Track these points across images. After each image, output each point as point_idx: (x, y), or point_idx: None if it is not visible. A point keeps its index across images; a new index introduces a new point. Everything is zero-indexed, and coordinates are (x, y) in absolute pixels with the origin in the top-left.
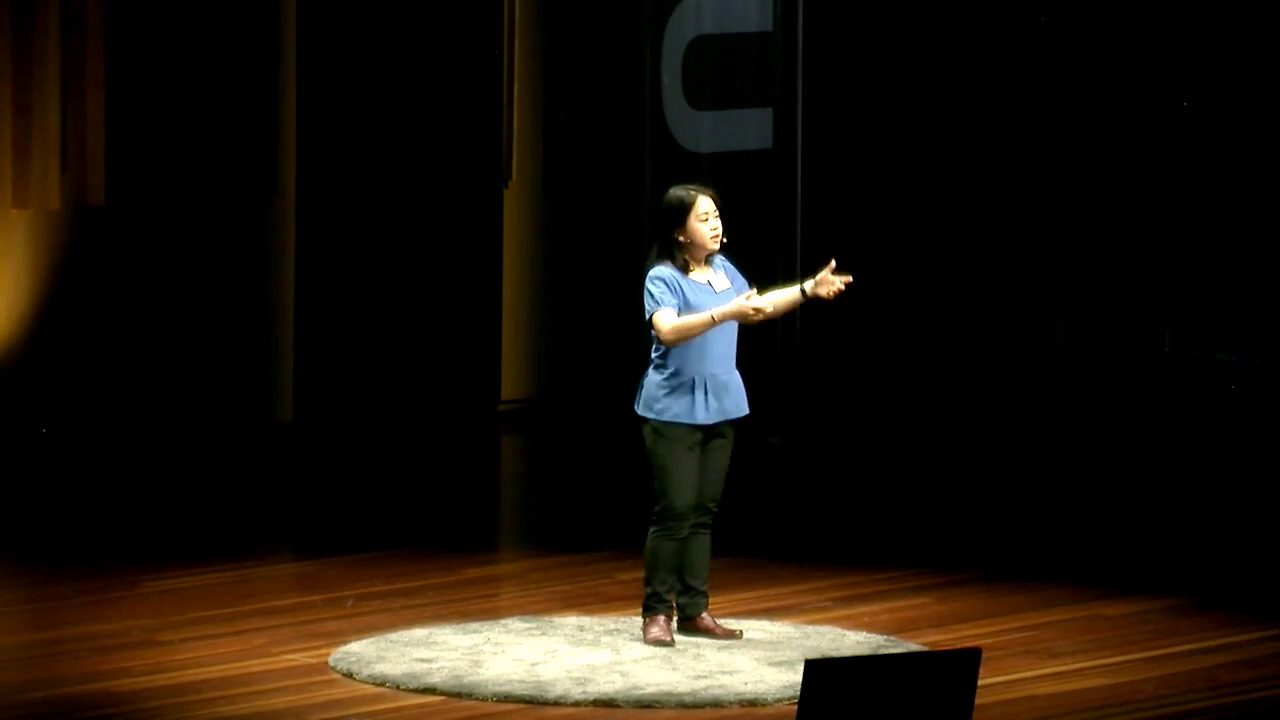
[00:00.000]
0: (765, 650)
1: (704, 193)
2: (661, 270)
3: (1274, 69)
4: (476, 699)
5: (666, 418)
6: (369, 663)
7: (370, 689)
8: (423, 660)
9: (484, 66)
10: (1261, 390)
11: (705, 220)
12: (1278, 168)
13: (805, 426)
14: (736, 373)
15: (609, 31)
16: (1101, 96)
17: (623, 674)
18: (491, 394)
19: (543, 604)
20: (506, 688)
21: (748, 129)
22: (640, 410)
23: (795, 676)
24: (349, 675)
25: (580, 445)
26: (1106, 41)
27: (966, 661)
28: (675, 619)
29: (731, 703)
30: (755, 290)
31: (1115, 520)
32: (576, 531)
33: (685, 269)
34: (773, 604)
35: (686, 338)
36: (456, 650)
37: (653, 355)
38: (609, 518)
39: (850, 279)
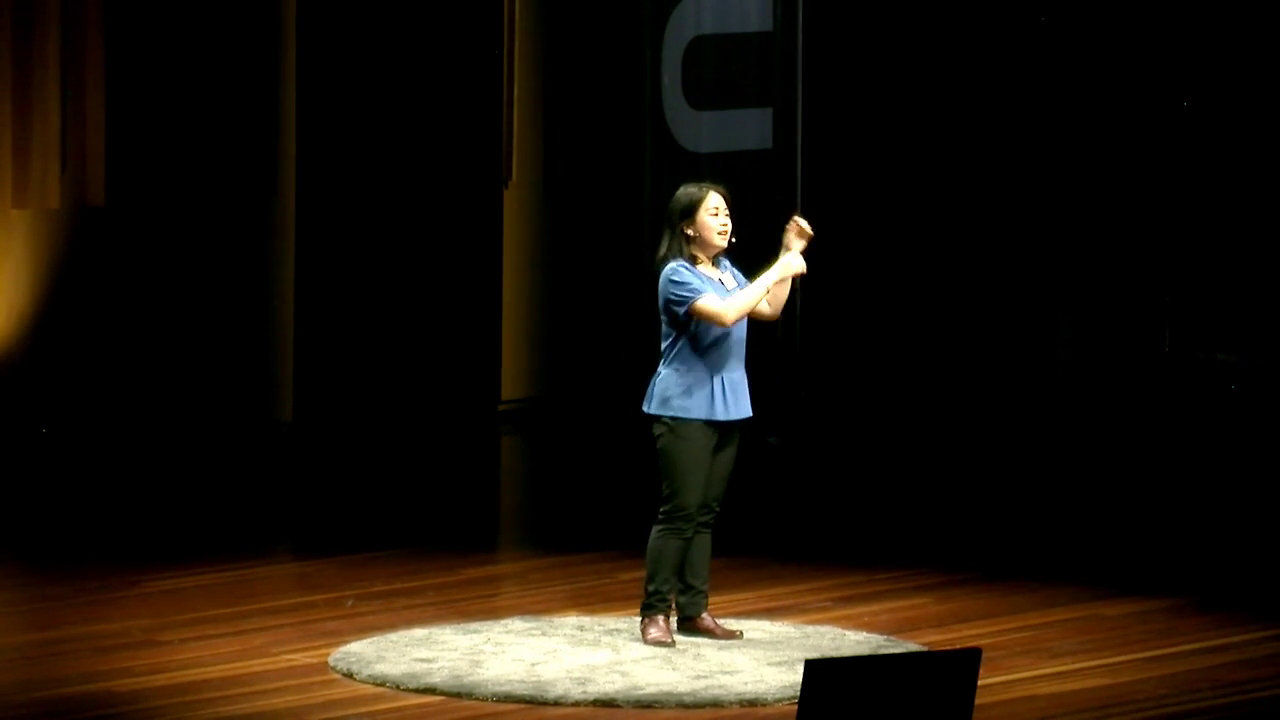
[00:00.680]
0: (765, 650)
1: (715, 189)
2: (678, 265)
3: (1274, 69)
4: (476, 699)
5: (687, 415)
6: (369, 663)
7: (370, 689)
8: (423, 660)
9: (484, 66)
10: (1261, 390)
11: (715, 215)
12: (1278, 168)
13: (805, 426)
14: (743, 370)
15: (609, 31)
16: (1101, 96)
17: (623, 674)
18: (491, 394)
19: (543, 604)
20: (506, 688)
21: (748, 129)
22: (654, 409)
23: (795, 676)
24: (349, 675)
25: (580, 445)
26: (1106, 41)
27: (966, 661)
28: (674, 619)
29: (731, 703)
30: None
31: (1115, 520)
32: (576, 531)
33: (694, 264)
34: (773, 604)
35: (747, 312)
36: (456, 650)
37: (670, 353)
38: (609, 518)
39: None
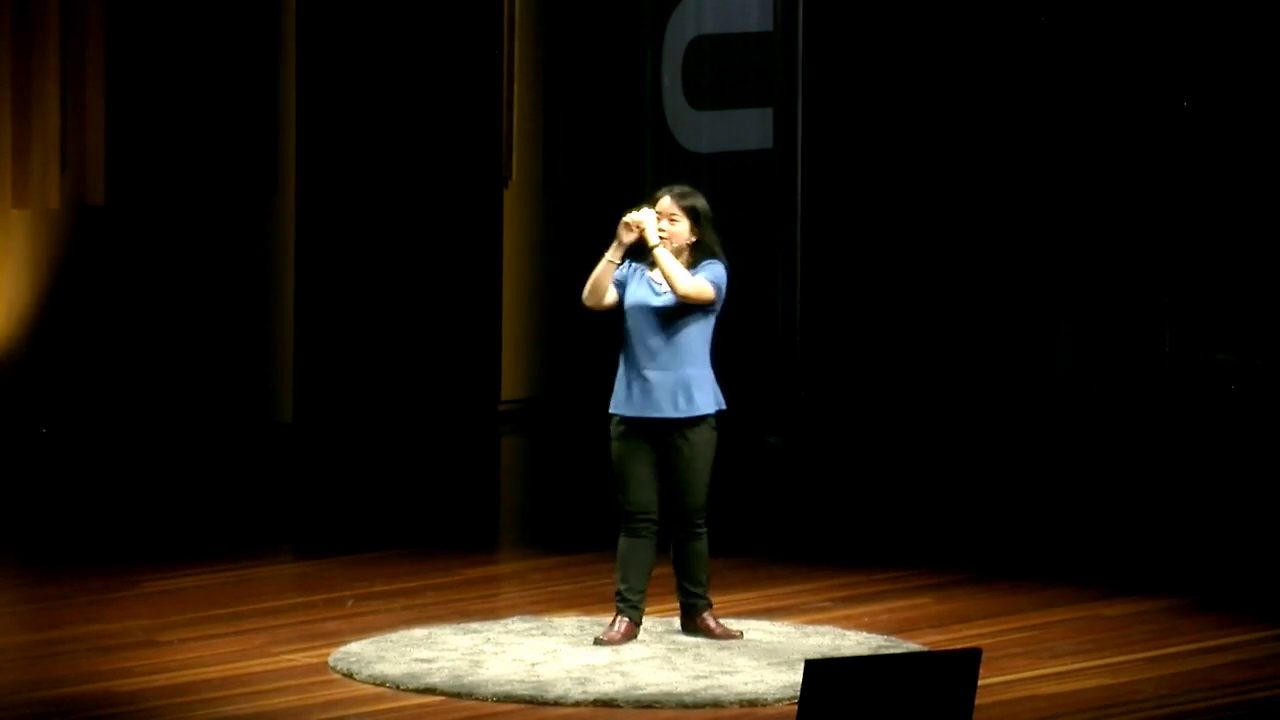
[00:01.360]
0: (765, 650)
1: (669, 192)
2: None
3: (1274, 69)
4: (476, 699)
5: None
6: (369, 663)
7: (370, 689)
8: (423, 660)
9: (484, 66)
10: (1261, 390)
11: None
12: (1278, 168)
13: (805, 426)
14: (672, 371)
15: (609, 31)
16: (1101, 96)
17: (623, 674)
18: (491, 394)
19: (543, 604)
20: (506, 688)
21: (748, 129)
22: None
23: (795, 676)
24: (349, 675)
25: (580, 445)
26: (1106, 41)
27: (966, 661)
28: (626, 622)
29: (731, 703)
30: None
31: (1115, 520)
32: (576, 531)
33: (651, 265)
34: (773, 604)
35: (593, 289)
36: (456, 650)
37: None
38: (609, 518)
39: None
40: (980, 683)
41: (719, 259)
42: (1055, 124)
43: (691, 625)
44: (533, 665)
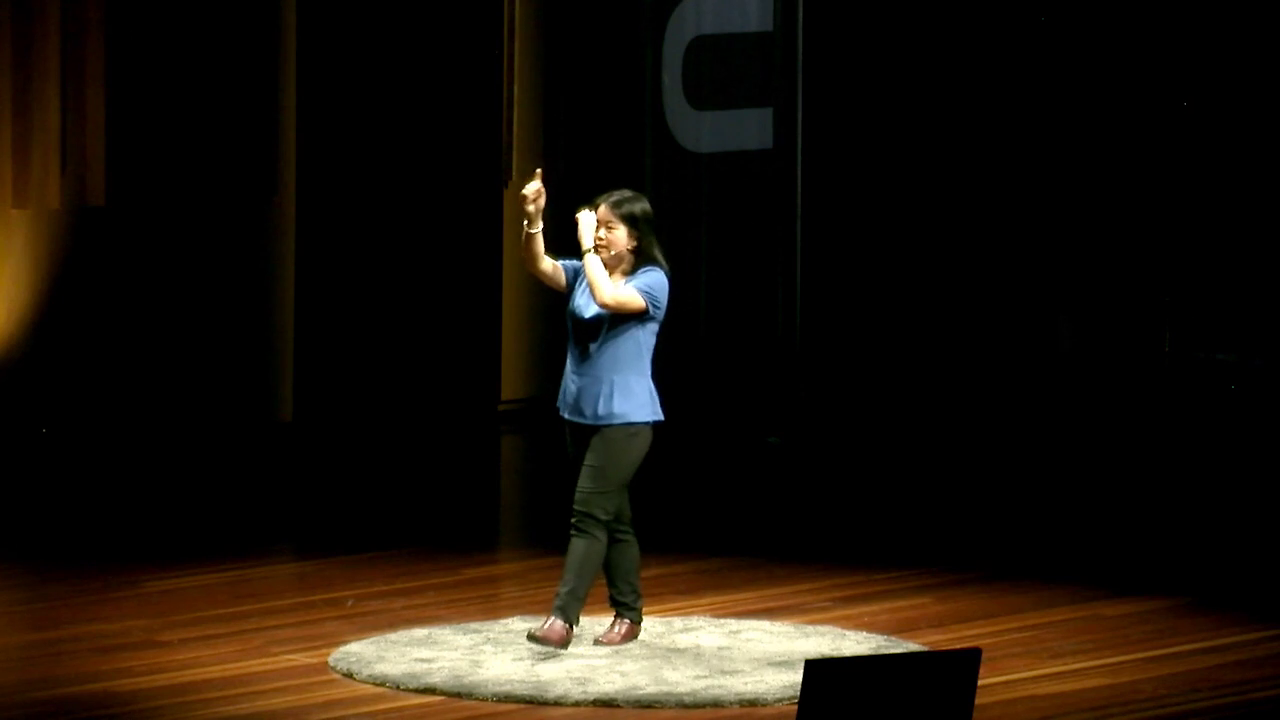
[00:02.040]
0: (765, 650)
1: (607, 199)
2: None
3: (1274, 69)
4: (476, 699)
5: None
6: (369, 663)
7: (370, 689)
8: (423, 660)
9: (484, 66)
10: (1261, 390)
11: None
12: (1278, 168)
13: (805, 426)
14: (599, 378)
15: (609, 31)
16: (1101, 96)
17: (623, 674)
18: (491, 394)
19: (543, 604)
20: (506, 688)
21: (748, 129)
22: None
23: (795, 676)
24: (349, 675)
25: None
26: (1106, 41)
27: (966, 661)
28: (558, 622)
29: (731, 703)
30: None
31: (1115, 520)
32: None
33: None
34: (773, 604)
35: (526, 259)
36: (456, 650)
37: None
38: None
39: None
40: (980, 683)
41: (659, 266)
42: (1055, 123)
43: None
44: (533, 665)
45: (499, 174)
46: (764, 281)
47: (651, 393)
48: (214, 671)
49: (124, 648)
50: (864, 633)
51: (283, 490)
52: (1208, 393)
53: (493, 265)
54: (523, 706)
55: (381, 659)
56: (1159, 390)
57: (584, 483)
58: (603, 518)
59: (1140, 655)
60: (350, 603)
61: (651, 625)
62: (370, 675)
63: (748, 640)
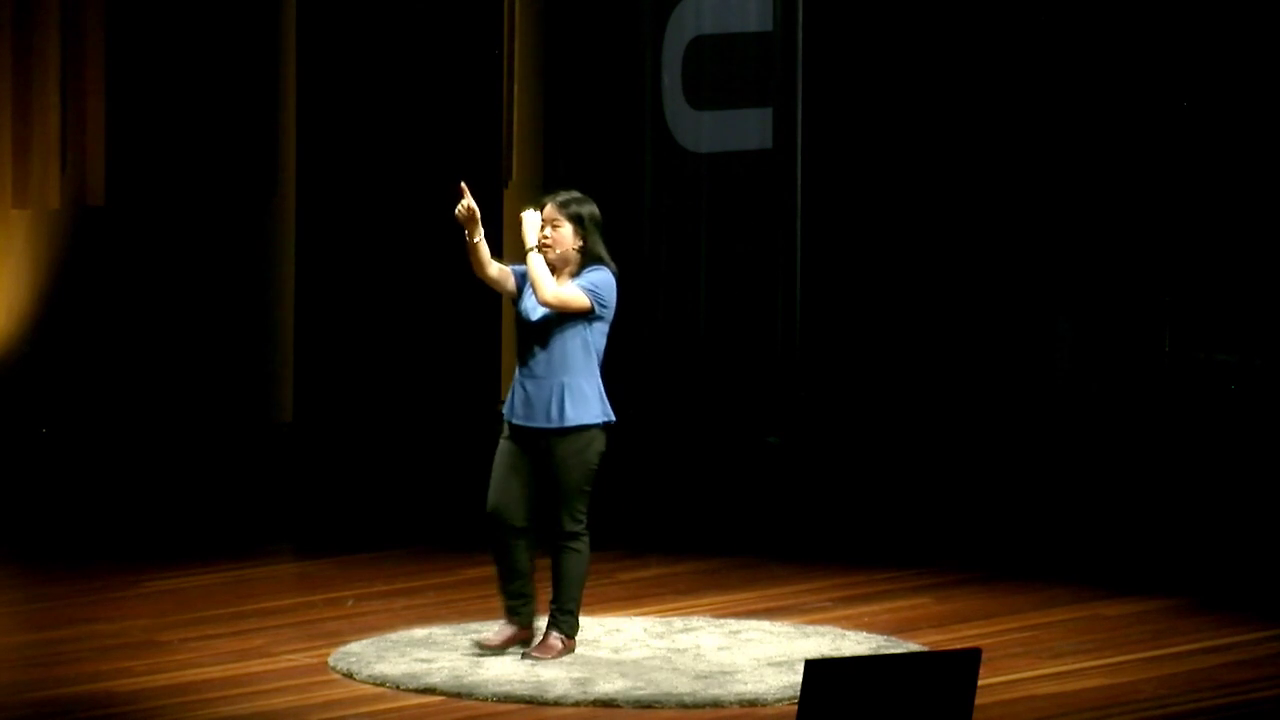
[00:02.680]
0: (765, 650)
1: (554, 199)
2: None
3: (1274, 69)
4: (476, 699)
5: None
6: (369, 663)
7: (370, 689)
8: (423, 660)
9: (484, 66)
10: (1261, 390)
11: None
12: (1278, 168)
13: (805, 426)
14: (548, 381)
15: (609, 31)
16: (1101, 96)
17: (623, 674)
18: (492, 394)
19: (542, 604)
20: (506, 688)
21: (748, 129)
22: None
23: (795, 676)
24: (349, 675)
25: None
26: (1106, 41)
27: (966, 661)
28: (505, 626)
29: (731, 703)
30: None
31: (1115, 520)
32: None
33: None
34: (773, 604)
35: (473, 265)
36: (456, 650)
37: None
38: (609, 517)
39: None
40: (980, 683)
41: (605, 266)
42: (1055, 123)
43: (534, 637)
44: (533, 665)
45: (499, 174)
46: (764, 281)
47: (601, 394)
48: (214, 671)
49: (124, 648)
50: (864, 633)
51: (283, 490)
52: (1208, 393)
53: None
54: (523, 706)
55: (381, 659)
56: (1159, 390)
57: (556, 495)
58: (584, 530)
59: (1140, 655)
60: (350, 603)
61: (652, 625)
62: (370, 675)
63: (748, 640)
